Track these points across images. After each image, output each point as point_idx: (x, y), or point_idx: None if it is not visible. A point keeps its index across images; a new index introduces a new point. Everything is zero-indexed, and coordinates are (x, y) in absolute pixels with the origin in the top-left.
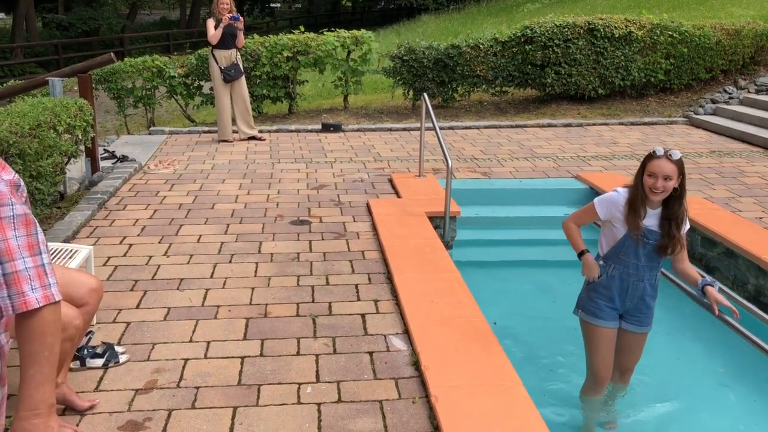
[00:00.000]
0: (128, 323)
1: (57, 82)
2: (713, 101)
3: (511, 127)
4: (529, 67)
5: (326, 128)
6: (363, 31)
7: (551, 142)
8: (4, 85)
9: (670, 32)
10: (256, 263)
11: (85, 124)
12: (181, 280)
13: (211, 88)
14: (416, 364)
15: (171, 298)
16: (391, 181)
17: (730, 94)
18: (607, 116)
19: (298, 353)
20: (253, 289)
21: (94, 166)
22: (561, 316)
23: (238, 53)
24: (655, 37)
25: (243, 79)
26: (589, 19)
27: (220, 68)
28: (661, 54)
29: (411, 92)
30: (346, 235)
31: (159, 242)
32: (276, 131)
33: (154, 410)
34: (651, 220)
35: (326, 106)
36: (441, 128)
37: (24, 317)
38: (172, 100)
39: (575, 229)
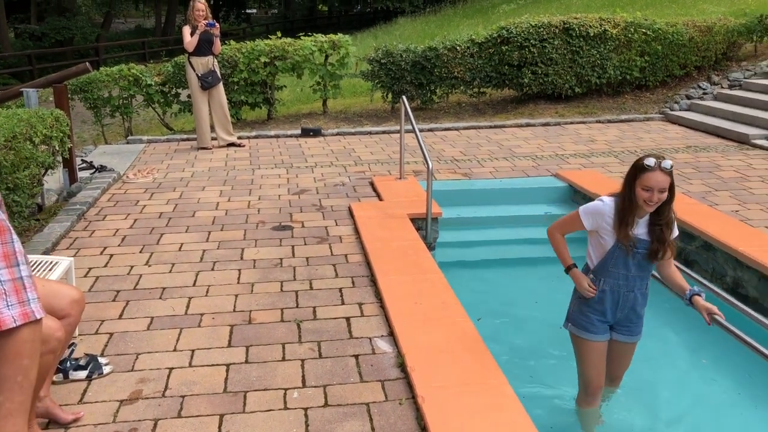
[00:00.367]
0: (111, 334)
1: (32, 93)
2: (688, 97)
3: (490, 127)
4: (506, 67)
5: (306, 133)
6: (340, 35)
7: (530, 141)
8: None
9: (644, 30)
10: (239, 270)
11: (61, 134)
12: (164, 289)
13: (189, 96)
14: (402, 366)
15: (154, 307)
16: (372, 184)
17: (704, 89)
18: (585, 114)
19: (283, 359)
20: (236, 296)
21: (72, 177)
22: (544, 314)
23: (215, 60)
24: (630, 35)
25: (221, 86)
26: (564, 19)
27: (197, 75)
28: (636, 52)
29: (390, 95)
30: (329, 239)
31: (140, 252)
32: (255, 137)
33: (139, 421)
34: (639, 228)
35: (305, 111)
36: (420, 130)
37: None
38: (149, 108)
39: (561, 241)
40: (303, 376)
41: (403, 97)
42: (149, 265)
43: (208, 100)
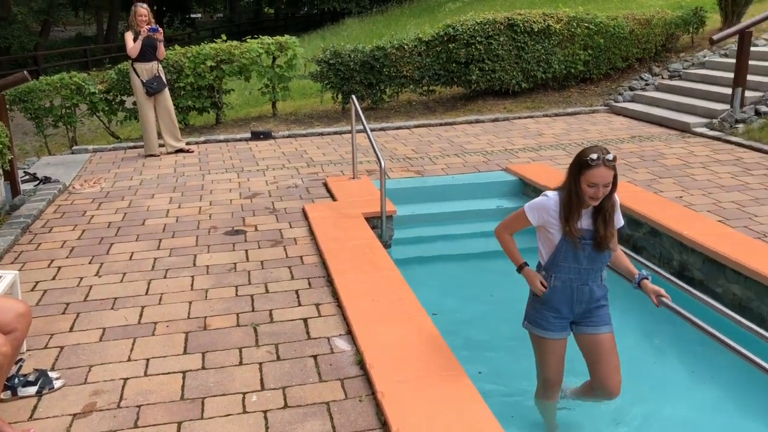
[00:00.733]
0: (62, 347)
1: None
2: (631, 89)
3: (441, 125)
4: (454, 65)
5: (256, 136)
6: (287, 36)
7: (480, 137)
8: None
9: (586, 24)
10: (192, 276)
11: (1, 146)
12: (115, 299)
13: (134, 103)
14: (361, 363)
15: (105, 318)
16: (325, 184)
17: (646, 81)
18: (532, 109)
19: (241, 363)
20: (190, 302)
21: (14, 190)
22: (500, 307)
23: (160, 65)
24: (573, 30)
25: (166, 92)
26: (508, 15)
27: (142, 81)
28: (579, 46)
29: (340, 96)
30: (283, 241)
31: (89, 263)
32: (204, 142)
33: None
34: (584, 220)
35: (255, 114)
36: (372, 130)
37: None
38: (94, 117)
39: (510, 240)
40: (261, 379)
41: (353, 96)
42: (99, 276)
43: (154, 106)
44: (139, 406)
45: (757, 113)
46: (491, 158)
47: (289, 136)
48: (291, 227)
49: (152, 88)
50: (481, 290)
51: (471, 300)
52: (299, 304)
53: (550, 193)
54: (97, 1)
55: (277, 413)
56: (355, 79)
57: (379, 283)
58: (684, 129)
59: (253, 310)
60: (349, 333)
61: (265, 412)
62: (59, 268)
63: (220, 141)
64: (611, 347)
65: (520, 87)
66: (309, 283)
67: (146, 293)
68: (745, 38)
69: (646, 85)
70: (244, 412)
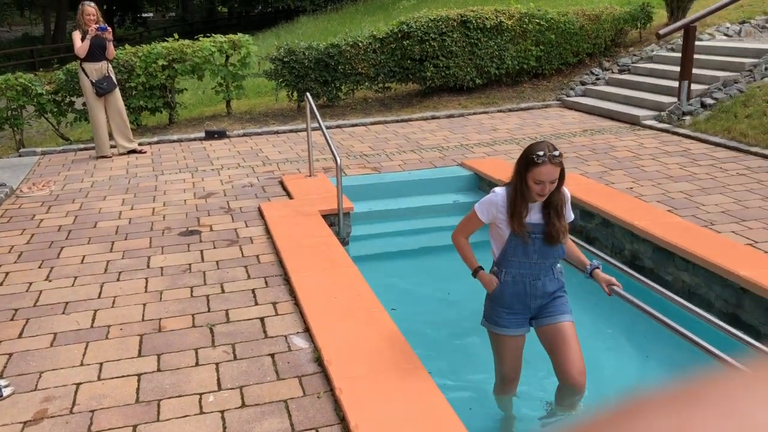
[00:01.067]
0: (10, 354)
1: None
2: (582, 83)
3: (397, 121)
4: (409, 61)
5: (210, 135)
6: (240, 34)
7: (436, 133)
8: None
9: (537, 20)
10: (146, 278)
11: None
12: (67, 303)
13: (84, 104)
14: (319, 360)
15: (57, 323)
16: (281, 183)
17: (596, 75)
18: (486, 105)
19: (197, 364)
20: (144, 305)
21: None
22: (458, 301)
23: (110, 65)
24: (525, 26)
25: (117, 92)
26: (461, 12)
27: (91, 82)
28: (531, 41)
29: (295, 93)
30: (239, 241)
31: (39, 267)
32: (157, 143)
33: None
34: (534, 214)
35: (209, 114)
36: (328, 127)
37: None
38: (42, 119)
39: (465, 244)
40: (218, 379)
41: (307, 94)
42: (50, 281)
43: (104, 106)
44: (92, 411)
45: (703, 105)
46: (447, 154)
47: (244, 135)
48: (247, 226)
49: (102, 89)
50: (440, 284)
51: (430, 295)
52: (256, 304)
53: (498, 189)
54: (44, 0)
55: (235, 413)
56: (310, 77)
57: (336, 280)
58: (634, 122)
59: (209, 311)
60: (307, 330)
61: (222, 412)
62: (7, 273)
63: (174, 141)
64: (571, 335)
65: (474, 83)
66: (266, 282)
67: (99, 296)
68: (689, 33)
69: (597, 79)
70: (201, 412)
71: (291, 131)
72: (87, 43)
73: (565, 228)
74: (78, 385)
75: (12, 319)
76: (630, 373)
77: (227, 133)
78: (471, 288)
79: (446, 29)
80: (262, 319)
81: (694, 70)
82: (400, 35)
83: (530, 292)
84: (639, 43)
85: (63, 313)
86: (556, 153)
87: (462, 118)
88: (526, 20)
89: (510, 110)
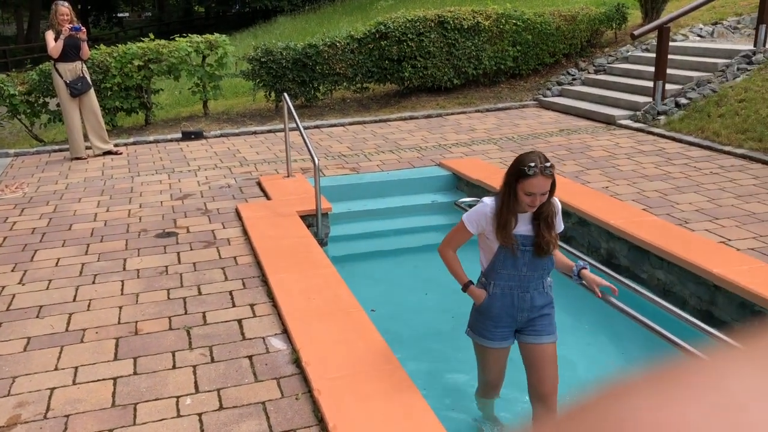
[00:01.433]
0: None
1: None
2: (559, 83)
3: (375, 122)
4: (387, 62)
5: (187, 136)
6: (217, 34)
7: (414, 133)
8: None
9: (514, 21)
10: (122, 281)
11: None
12: (41, 307)
13: (58, 105)
14: (297, 362)
15: (30, 327)
16: (259, 184)
17: (573, 75)
18: (464, 105)
19: (174, 367)
20: (120, 307)
21: None
22: (437, 300)
23: (84, 65)
24: (501, 26)
25: (92, 92)
26: (438, 13)
27: (65, 82)
28: (508, 42)
29: (273, 94)
30: (216, 242)
31: (12, 270)
32: (133, 144)
33: None
34: (523, 225)
35: (185, 114)
36: (306, 128)
37: None
38: (15, 120)
39: (453, 258)
40: (195, 382)
41: (285, 94)
42: (23, 284)
43: (79, 107)
44: (67, 416)
45: (677, 105)
46: (425, 154)
47: (221, 136)
48: (224, 228)
49: (76, 89)
50: (419, 285)
51: (409, 295)
52: (233, 305)
53: (487, 199)
54: None
55: (213, 415)
56: (288, 77)
57: (315, 281)
58: (609, 122)
59: (186, 313)
60: (285, 332)
61: (200, 414)
62: None
63: (150, 142)
64: (550, 357)
65: (452, 83)
66: (243, 284)
67: (74, 300)
68: (663, 33)
69: (573, 79)
70: (179, 415)
71: (269, 132)
72: (60, 43)
73: (556, 239)
74: (52, 389)
75: None
76: (607, 367)
77: (204, 133)
78: (449, 288)
79: (424, 30)
80: (239, 321)
81: (669, 71)
82: (377, 35)
83: (518, 304)
84: (614, 43)
85: (37, 316)
86: (548, 164)
87: (440, 118)
88: (503, 21)
89: (487, 110)
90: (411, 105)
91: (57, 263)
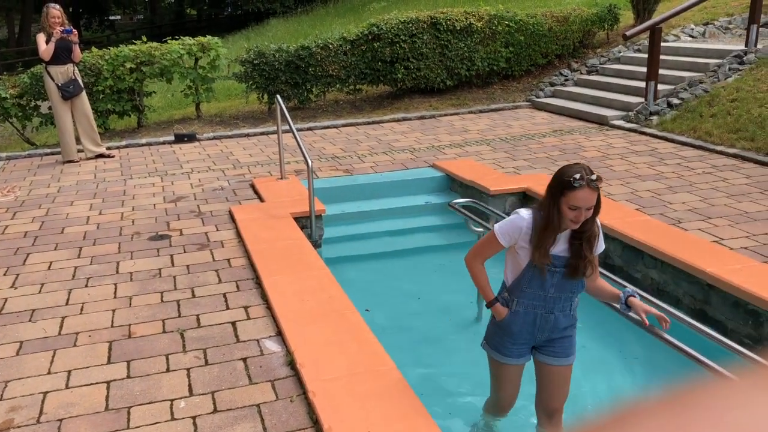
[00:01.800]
0: None
1: None
2: (551, 84)
3: (368, 123)
4: (379, 63)
5: (180, 139)
6: (209, 37)
7: (407, 135)
8: None
9: (506, 22)
10: (115, 284)
11: None
12: (33, 311)
13: (50, 108)
14: (291, 364)
15: (23, 331)
16: (252, 186)
17: (565, 76)
18: (457, 106)
19: (167, 370)
20: (113, 311)
21: None
22: (431, 301)
23: (76, 68)
24: (494, 28)
25: (84, 95)
26: (431, 14)
27: (57, 85)
28: (501, 43)
29: (265, 96)
30: (210, 245)
31: (4, 274)
32: (126, 146)
33: None
34: (560, 244)
35: (178, 117)
36: (300, 129)
37: None
38: (6, 123)
39: (481, 272)
40: (189, 385)
41: (278, 96)
42: (15, 288)
43: (71, 110)
44: (60, 420)
45: (670, 105)
46: (419, 155)
47: (214, 138)
48: (217, 230)
49: (68, 92)
50: (413, 285)
51: (403, 296)
52: (227, 308)
53: (523, 212)
54: (7, 2)
55: (207, 418)
56: (281, 79)
57: (308, 283)
58: (602, 122)
59: (179, 316)
60: (279, 334)
61: (194, 417)
62: None
63: (143, 145)
64: (566, 378)
65: (445, 85)
66: (237, 286)
67: (66, 303)
68: (655, 34)
69: (566, 80)
70: (173, 419)
71: (262, 134)
72: (52, 45)
73: (595, 262)
74: (45, 393)
75: None
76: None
77: (197, 136)
78: (443, 288)
79: (416, 31)
80: (233, 324)
81: (661, 71)
82: (370, 37)
83: (540, 324)
84: (606, 44)
85: (29, 320)
86: (594, 177)
87: (433, 119)
88: (496, 22)
89: (480, 111)
90: (404, 106)
91: (49, 267)
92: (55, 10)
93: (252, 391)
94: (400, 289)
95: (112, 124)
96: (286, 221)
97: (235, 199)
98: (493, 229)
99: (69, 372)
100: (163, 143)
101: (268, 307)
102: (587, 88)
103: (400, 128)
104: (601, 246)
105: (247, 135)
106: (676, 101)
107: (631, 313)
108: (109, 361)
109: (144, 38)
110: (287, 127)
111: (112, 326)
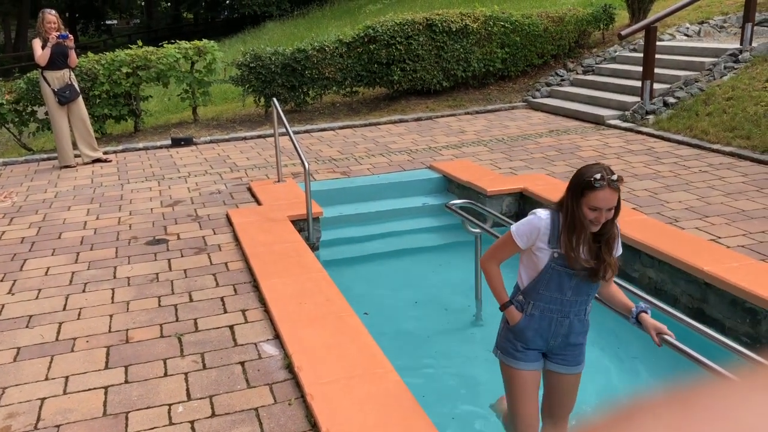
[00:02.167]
0: None
1: None
2: (547, 84)
3: (365, 125)
4: (376, 65)
5: (176, 143)
6: (205, 40)
7: (404, 136)
8: None
9: (502, 23)
10: (113, 289)
11: None
12: (30, 316)
13: (46, 113)
14: (289, 367)
15: (20, 337)
16: (250, 189)
17: (561, 76)
18: (454, 107)
19: (165, 374)
20: (111, 316)
21: None
22: (430, 302)
23: (72, 73)
24: (490, 29)
25: (80, 100)
26: (427, 16)
27: (53, 90)
28: (497, 44)
29: (262, 99)
30: (207, 248)
31: (1, 280)
32: (122, 151)
33: None
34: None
35: (175, 121)
36: (296, 132)
37: None
38: (3, 129)
39: (497, 275)
40: (187, 389)
41: (274, 99)
42: (12, 294)
43: (67, 115)
44: (57, 426)
45: (666, 104)
46: (416, 157)
47: (211, 142)
48: (215, 234)
49: (64, 97)
50: (411, 288)
51: (401, 298)
52: (225, 311)
53: (541, 212)
54: (4, 8)
55: (205, 422)
56: (277, 82)
57: (306, 286)
58: (598, 122)
59: (177, 320)
60: (277, 337)
61: (192, 422)
62: None
63: (139, 149)
64: (574, 386)
65: (442, 86)
66: (234, 290)
67: (64, 309)
68: (650, 33)
69: (562, 80)
70: (170, 423)
71: (258, 137)
72: (48, 51)
73: (616, 264)
74: (43, 399)
75: None
76: (617, 379)
77: (194, 140)
78: (441, 290)
79: (412, 33)
80: (231, 327)
81: (656, 70)
82: (366, 39)
83: (555, 329)
84: (602, 44)
85: (27, 326)
86: (614, 177)
87: (430, 120)
88: (491, 23)
89: (477, 112)
90: (401, 108)
91: (47, 272)
92: (51, 16)
93: (250, 395)
94: (397, 291)
95: (109, 129)
96: (284, 224)
97: (232, 202)
98: (510, 230)
99: (66, 378)
100: (160, 147)
101: (266, 311)
102: (583, 87)
103: (397, 130)
104: (619, 248)
105: (244, 138)
106: (672, 100)
107: (641, 327)
108: (106, 367)
109: (140, 43)
110: (284, 130)
111: (109, 331)
